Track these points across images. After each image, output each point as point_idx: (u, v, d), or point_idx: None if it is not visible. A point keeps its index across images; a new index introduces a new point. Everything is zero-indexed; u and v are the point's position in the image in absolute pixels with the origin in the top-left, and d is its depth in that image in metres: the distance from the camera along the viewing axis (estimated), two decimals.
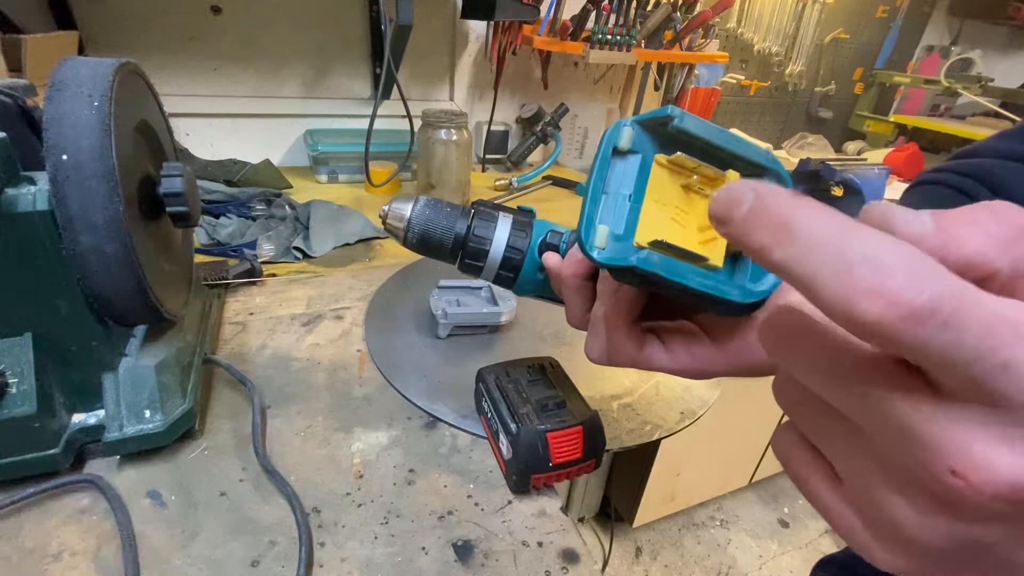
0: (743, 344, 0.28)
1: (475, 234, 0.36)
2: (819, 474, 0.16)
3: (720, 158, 0.24)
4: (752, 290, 0.24)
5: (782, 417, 1.38)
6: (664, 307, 0.31)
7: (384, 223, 0.37)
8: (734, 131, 0.24)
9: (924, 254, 0.11)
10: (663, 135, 0.24)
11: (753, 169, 0.24)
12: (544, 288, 0.37)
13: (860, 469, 0.14)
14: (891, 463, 0.13)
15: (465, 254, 0.36)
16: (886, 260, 0.11)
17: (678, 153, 0.24)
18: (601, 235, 0.23)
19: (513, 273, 0.36)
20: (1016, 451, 0.11)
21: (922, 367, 0.12)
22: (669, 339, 0.29)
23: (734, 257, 0.25)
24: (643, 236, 0.23)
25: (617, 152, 0.24)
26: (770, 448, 1.42)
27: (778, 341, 0.15)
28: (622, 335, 0.28)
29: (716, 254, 0.23)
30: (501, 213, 0.37)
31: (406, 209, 0.36)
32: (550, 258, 0.34)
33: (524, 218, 0.37)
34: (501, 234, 0.36)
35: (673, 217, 0.24)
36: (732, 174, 0.24)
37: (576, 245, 0.32)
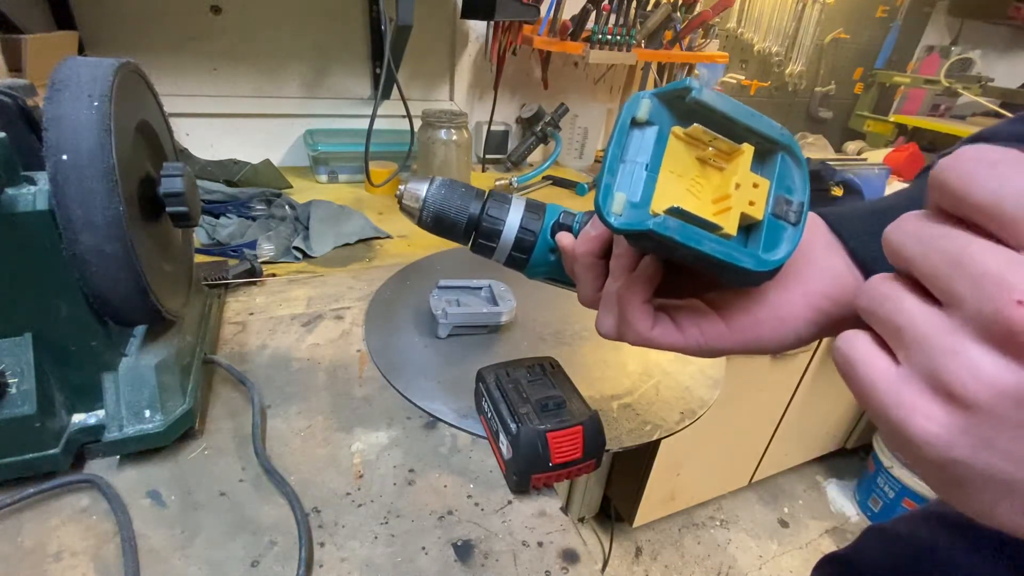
0: (752, 320, 0.28)
1: (489, 214, 0.36)
2: (878, 361, 0.18)
3: (735, 132, 0.24)
4: (765, 259, 0.24)
5: (785, 410, 1.38)
6: (675, 286, 0.31)
7: (399, 203, 0.38)
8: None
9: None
10: (680, 108, 0.25)
11: (767, 143, 0.25)
12: (555, 270, 0.37)
13: (927, 335, 0.16)
14: (962, 318, 0.16)
15: (478, 234, 0.37)
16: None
17: (695, 125, 0.24)
18: (619, 202, 0.24)
19: (525, 255, 0.37)
20: None
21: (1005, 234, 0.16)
22: (679, 317, 0.30)
23: (747, 228, 0.25)
24: (659, 204, 0.24)
25: (635, 123, 0.25)
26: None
27: (902, 227, 0.18)
28: (635, 312, 0.29)
29: (730, 224, 0.23)
30: (515, 196, 0.37)
31: (421, 189, 0.37)
32: (563, 238, 0.34)
33: (537, 202, 0.37)
34: (514, 215, 0.36)
35: (688, 188, 0.25)
36: (747, 147, 0.24)
37: (588, 224, 0.32)
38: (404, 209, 0.38)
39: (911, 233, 0.18)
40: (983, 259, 0.15)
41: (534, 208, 0.37)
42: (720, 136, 0.24)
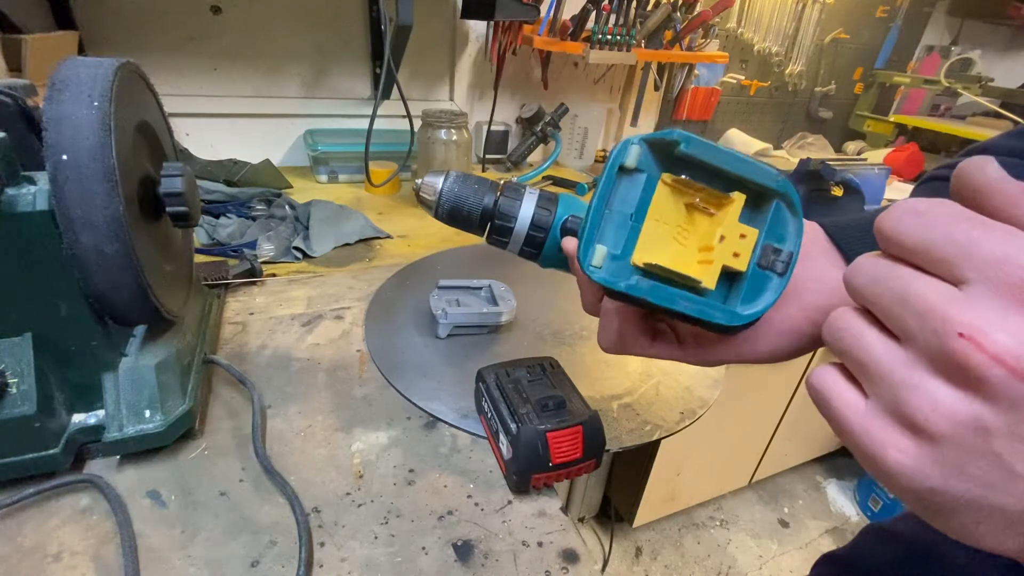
0: (751, 333, 0.29)
1: (500, 211, 0.37)
2: (848, 396, 0.19)
3: (727, 179, 0.24)
4: (739, 313, 0.24)
5: (785, 410, 1.38)
6: None
7: (417, 195, 0.39)
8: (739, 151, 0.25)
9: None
10: (670, 156, 0.24)
11: (762, 191, 0.24)
12: (566, 264, 0.38)
13: (888, 371, 0.17)
14: (916, 352, 0.17)
15: (492, 229, 0.38)
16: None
17: (683, 176, 0.24)
18: (599, 255, 0.24)
19: (536, 249, 0.38)
20: (1012, 326, 0.15)
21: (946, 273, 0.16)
22: (679, 330, 0.31)
23: (730, 277, 0.25)
24: (641, 256, 0.24)
25: (623, 170, 0.25)
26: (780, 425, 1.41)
27: (858, 268, 0.19)
28: (633, 328, 0.30)
29: (709, 278, 0.24)
30: (527, 190, 0.38)
31: (437, 183, 0.38)
32: (568, 243, 0.35)
33: (550, 195, 0.38)
34: (525, 212, 0.37)
35: (674, 236, 0.25)
36: (738, 196, 0.24)
37: None
38: (422, 201, 0.39)
39: (867, 273, 0.19)
40: (926, 295, 0.16)
41: (546, 204, 0.37)
42: (710, 186, 0.24)
